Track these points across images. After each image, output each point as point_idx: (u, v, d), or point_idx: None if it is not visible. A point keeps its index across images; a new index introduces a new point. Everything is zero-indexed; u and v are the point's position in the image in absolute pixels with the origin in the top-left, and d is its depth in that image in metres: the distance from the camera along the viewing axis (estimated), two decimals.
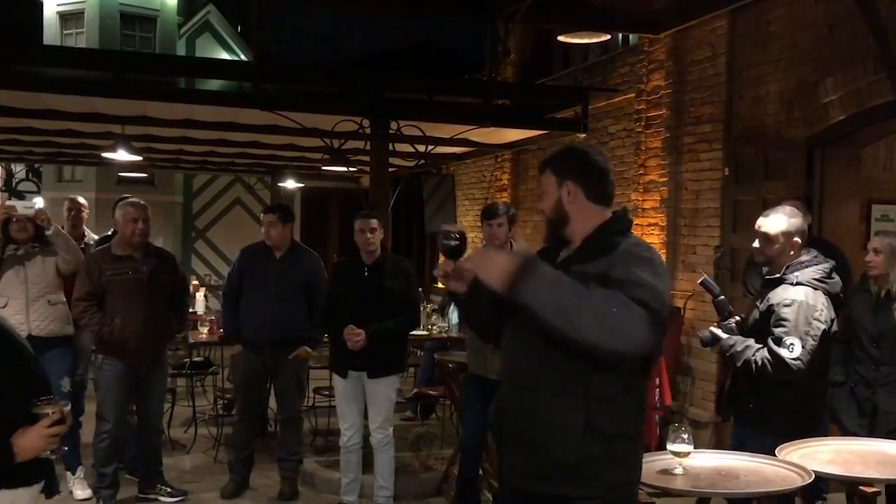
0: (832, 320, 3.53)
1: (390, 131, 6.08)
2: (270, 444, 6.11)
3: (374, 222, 4.74)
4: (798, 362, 3.35)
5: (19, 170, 20.09)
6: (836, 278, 3.62)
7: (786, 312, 3.41)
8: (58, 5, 16.37)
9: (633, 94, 7.42)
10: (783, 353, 3.36)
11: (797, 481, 2.85)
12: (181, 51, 17.14)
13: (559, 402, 2.19)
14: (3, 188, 19.31)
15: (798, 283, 3.47)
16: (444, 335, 7.20)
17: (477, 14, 6.24)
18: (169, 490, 5.13)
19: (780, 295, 3.47)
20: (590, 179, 2.38)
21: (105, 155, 7.70)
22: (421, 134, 6.48)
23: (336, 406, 5.03)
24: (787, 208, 3.71)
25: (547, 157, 2.48)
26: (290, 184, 11.71)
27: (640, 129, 7.26)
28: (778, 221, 3.58)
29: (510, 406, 2.32)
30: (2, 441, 2.10)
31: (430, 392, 6.91)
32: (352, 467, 4.90)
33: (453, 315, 7.35)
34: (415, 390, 7.35)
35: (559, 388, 2.19)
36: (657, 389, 6.10)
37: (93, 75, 6.47)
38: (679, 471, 2.91)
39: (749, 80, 6.15)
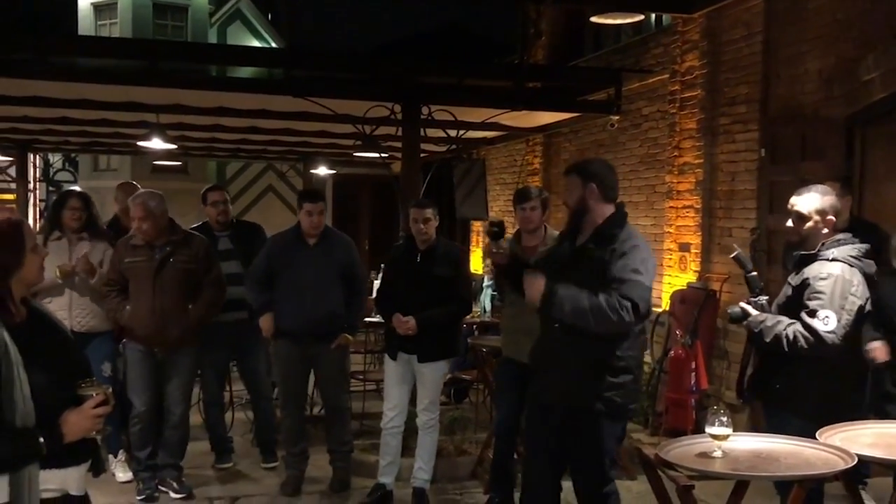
0: (867, 299, 3.44)
1: (422, 116, 6.07)
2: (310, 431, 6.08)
3: (429, 212, 4.69)
4: (833, 335, 3.26)
5: (56, 160, 20.43)
6: (871, 260, 3.53)
7: (822, 285, 3.33)
8: None
9: (666, 76, 7.32)
10: (818, 325, 3.26)
11: (839, 464, 2.80)
12: (212, 39, 17.27)
13: (577, 344, 3.26)
14: (41, 178, 19.64)
15: (834, 259, 3.40)
16: (476, 320, 7.20)
17: None
18: (178, 486, 5.02)
19: (816, 269, 3.40)
20: (605, 184, 3.37)
21: (140, 143, 7.79)
22: (452, 119, 6.46)
23: (384, 387, 5.05)
24: (821, 186, 3.63)
25: (572, 164, 3.55)
26: (322, 170, 11.75)
27: (674, 111, 7.17)
28: (811, 199, 3.50)
29: (542, 344, 3.48)
30: (51, 423, 2.14)
31: (464, 376, 6.92)
32: (391, 449, 4.91)
33: (486, 300, 7.34)
34: (448, 375, 7.36)
35: (576, 335, 3.23)
36: (693, 373, 6.06)
37: (127, 64, 6.54)
38: (718, 454, 2.89)
39: (786, 58, 6.03)
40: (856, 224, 4.81)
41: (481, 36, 19.57)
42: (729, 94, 6.58)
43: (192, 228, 5.87)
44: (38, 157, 17.03)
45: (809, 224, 3.48)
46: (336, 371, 5.15)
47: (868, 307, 3.46)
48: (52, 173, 20.72)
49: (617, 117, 6.41)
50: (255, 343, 5.48)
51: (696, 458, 2.87)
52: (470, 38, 20.98)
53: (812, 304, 3.32)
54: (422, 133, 6.30)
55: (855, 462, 2.81)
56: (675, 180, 7.12)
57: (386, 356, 4.94)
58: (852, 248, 3.46)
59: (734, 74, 6.51)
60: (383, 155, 7.44)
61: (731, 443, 2.95)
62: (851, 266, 3.41)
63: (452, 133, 6.92)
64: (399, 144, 6.54)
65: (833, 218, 3.50)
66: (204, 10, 17.14)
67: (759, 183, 6.22)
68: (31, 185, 12.65)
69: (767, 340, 3.42)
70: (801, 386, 3.41)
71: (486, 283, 7.61)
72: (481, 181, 11.54)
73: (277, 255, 5.04)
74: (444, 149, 8.35)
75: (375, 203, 15.08)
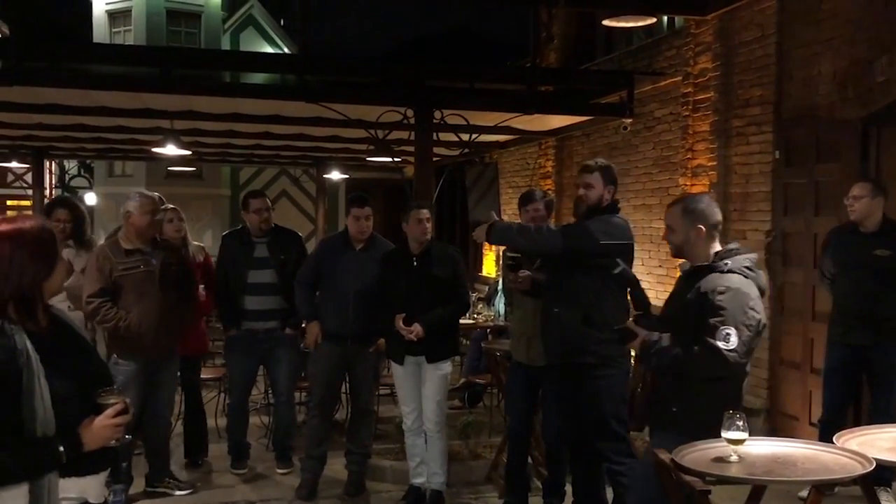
0: (762, 313, 3.13)
1: (434, 121, 6.08)
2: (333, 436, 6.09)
3: (427, 212, 4.79)
4: (735, 354, 3.02)
5: (72, 166, 20.61)
6: (760, 272, 3.28)
7: (721, 300, 3.06)
8: (106, 4, 16.71)
9: (679, 78, 7.30)
10: (720, 343, 3.01)
11: (857, 469, 2.78)
12: (226, 45, 17.36)
13: (567, 307, 4.08)
14: (57, 184, 19.80)
15: (730, 271, 3.13)
16: (489, 324, 7.20)
17: (519, 0, 6.19)
18: (178, 483, 5.08)
19: (714, 282, 3.11)
20: (615, 187, 4.17)
21: (155, 150, 7.84)
22: (465, 122, 6.47)
23: (396, 391, 5.09)
24: (697, 195, 3.57)
25: (596, 163, 4.15)
26: (335, 175, 11.80)
27: (687, 113, 7.15)
28: (675, 210, 3.27)
29: (545, 312, 4.24)
30: (70, 431, 2.15)
31: (478, 380, 6.92)
32: (417, 450, 4.93)
33: (500, 304, 7.34)
34: (462, 379, 7.36)
35: (566, 300, 4.09)
36: None
37: (141, 72, 6.59)
38: (734, 458, 2.87)
39: (800, 60, 6.01)
40: (888, 226, 4.77)
41: (491, 38, 19.57)
42: (742, 96, 6.55)
43: (226, 233, 5.89)
44: (53, 163, 17.18)
45: (680, 235, 3.24)
46: (370, 374, 5.22)
47: (764, 321, 3.17)
48: (67, 179, 20.91)
49: (630, 120, 6.40)
50: (285, 350, 5.48)
51: (712, 463, 2.86)
52: (480, 41, 21.02)
53: (713, 320, 3.05)
54: (434, 137, 6.32)
55: (873, 466, 2.79)
56: (688, 183, 7.10)
57: (392, 362, 4.96)
58: (745, 259, 3.20)
59: (748, 76, 6.49)
60: (396, 159, 7.46)
61: (747, 447, 2.93)
62: (747, 278, 3.15)
63: (465, 137, 6.93)
64: (411, 148, 6.55)
65: (703, 227, 3.20)
66: (217, 16, 17.24)
67: (773, 185, 6.19)
68: (46, 192, 12.77)
69: (664, 362, 3.18)
70: (701, 409, 3.09)
71: (499, 286, 7.62)
72: (494, 185, 11.55)
73: (324, 260, 5.12)
74: (456, 153, 8.35)
75: (388, 206, 15.12)
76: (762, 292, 3.22)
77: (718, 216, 3.27)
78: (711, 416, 2.94)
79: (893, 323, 4.67)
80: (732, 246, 3.28)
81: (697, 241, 3.22)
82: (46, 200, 12.25)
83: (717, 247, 3.24)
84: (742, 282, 3.12)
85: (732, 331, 3.03)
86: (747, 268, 3.18)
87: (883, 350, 4.70)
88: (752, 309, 3.09)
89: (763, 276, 3.27)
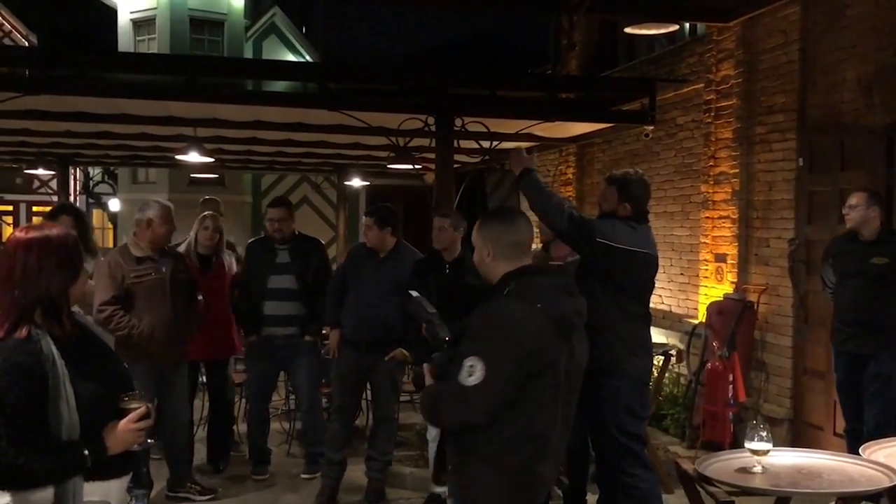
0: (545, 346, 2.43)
1: (455, 128, 6.09)
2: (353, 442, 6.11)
3: (445, 221, 4.82)
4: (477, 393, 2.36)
5: (96, 173, 20.85)
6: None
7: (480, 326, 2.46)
8: (131, 12, 16.91)
9: (701, 85, 7.26)
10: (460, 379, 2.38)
11: (884, 481, 2.75)
12: (248, 53, 17.50)
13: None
14: (81, 191, 20.06)
15: (508, 294, 2.52)
16: None
17: (541, 7, 6.19)
18: (199, 488, 5.10)
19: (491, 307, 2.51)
20: (632, 204, 4.07)
21: (178, 157, 7.91)
22: (485, 130, 6.47)
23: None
24: (506, 211, 2.79)
25: (615, 177, 4.15)
26: (356, 182, 11.84)
27: (709, 120, 7.11)
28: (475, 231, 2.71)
29: None
30: (95, 435, 2.18)
31: None
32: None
33: None
34: None
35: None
36: (730, 386, 5.98)
37: (166, 80, 6.67)
38: (758, 469, 2.85)
39: (824, 66, 5.96)
40: (886, 234, 4.76)
41: (511, 45, 19.57)
42: (765, 102, 6.50)
43: (252, 240, 5.95)
44: (78, 169, 17.39)
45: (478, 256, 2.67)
46: (388, 383, 5.22)
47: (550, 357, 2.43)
48: (91, 186, 21.16)
49: (651, 128, 6.37)
50: (305, 357, 5.51)
51: (736, 474, 2.84)
52: (500, 47, 21.03)
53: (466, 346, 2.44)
54: (455, 144, 6.33)
55: None
56: (710, 190, 7.05)
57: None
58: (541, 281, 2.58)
59: (771, 83, 6.44)
60: (416, 166, 7.47)
61: (771, 458, 2.91)
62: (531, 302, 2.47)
63: (486, 144, 6.93)
64: (432, 155, 6.56)
65: (490, 249, 2.60)
66: (240, 24, 17.38)
67: (796, 192, 6.14)
68: (71, 198, 12.92)
69: (423, 404, 2.64)
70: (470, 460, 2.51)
71: None
72: (514, 191, 11.54)
73: (350, 267, 5.26)
74: (476, 159, 8.36)
75: (407, 212, 15.17)
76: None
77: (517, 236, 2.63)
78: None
79: (892, 331, 4.66)
80: (525, 265, 2.61)
81: (484, 264, 2.65)
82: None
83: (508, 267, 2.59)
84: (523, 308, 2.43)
85: (478, 362, 2.35)
86: (542, 291, 2.50)
87: (880, 359, 4.68)
88: (511, 337, 2.37)
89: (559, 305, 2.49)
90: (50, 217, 4.87)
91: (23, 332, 2.15)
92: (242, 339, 5.82)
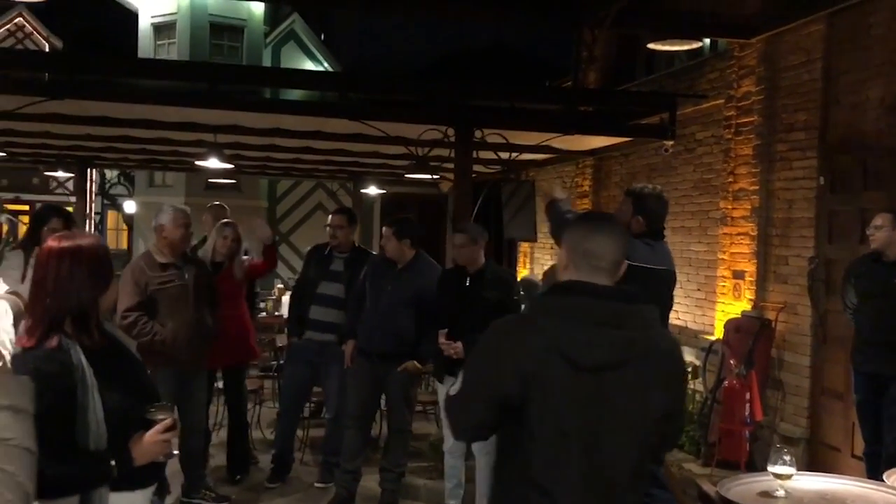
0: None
1: (474, 139, 6.10)
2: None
3: (461, 238, 4.82)
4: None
5: (112, 175, 20.98)
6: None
7: None
8: (151, 17, 17.01)
9: (722, 101, 7.24)
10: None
11: None
12: (267, 59, 17.57)
13: None
14: (98, 192, 20.17)
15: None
16: None
17: (563, 21, 6.19)
18: (213, 495, 5.08)
19: None
20: (647, 219, 4.05)
21: (198, 163, 7.95)
22: (504, 141, 6.47)
23: (439, 410, 5.11)
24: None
25: (633, 189, 4.14)
26: (372, 190, 11.86)
27: (729, 136, 7.09)
28: None
29: None
30: (121, 446, 2.19)
31: None
32: (456, 472, 4.92)
33: None
34: None
35: None
36: (747, 404, 5.94)
37: (187, 87, 6.71)
38: (781, 493, 2.82)
39: (847, 85, 5.93)
40: None
41: (528, 55, 19.58)
42: (787, 120, 6.48)
43: (312, 246, 5.97)
44: (95, 171, 17.49)
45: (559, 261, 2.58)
46: (401, 394, 5.20)
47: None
48: (107, 187, 21.29)
49: (671, 143, 6.36)
50: (338, 365, 5.49)
51: (759, 498, 2.81)
52: (517, 57, 21.04)
53: None
54: (474, 155, 6.33)
55: None
56: (729, 206, 7.02)
57: (436, 381, 4.99)
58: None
59: (792, 100, 6.42)
60: (434, 176, 7.48)
61: (794, 482, 2.88)
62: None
63: (504, 155, 6.93)
64: (450, 165, 6.57)
65: (565, 256, 2.30)
66: (259, 30, 17.46)
67: (817, 211, 6.10)
68: (88, 199, 12.98)
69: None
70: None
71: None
72: (529, 202, 11.48)
73: (370, 277, 5.28)
74: (492, 170, 8.36)
75: (423, 221, 15.17)
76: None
77: None
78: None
79: None
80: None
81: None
82: (87, 209, 12.50)
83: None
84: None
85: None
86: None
87: None
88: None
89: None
90: (38, 220, 4.65)
91: (53, 341, 2.16)
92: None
